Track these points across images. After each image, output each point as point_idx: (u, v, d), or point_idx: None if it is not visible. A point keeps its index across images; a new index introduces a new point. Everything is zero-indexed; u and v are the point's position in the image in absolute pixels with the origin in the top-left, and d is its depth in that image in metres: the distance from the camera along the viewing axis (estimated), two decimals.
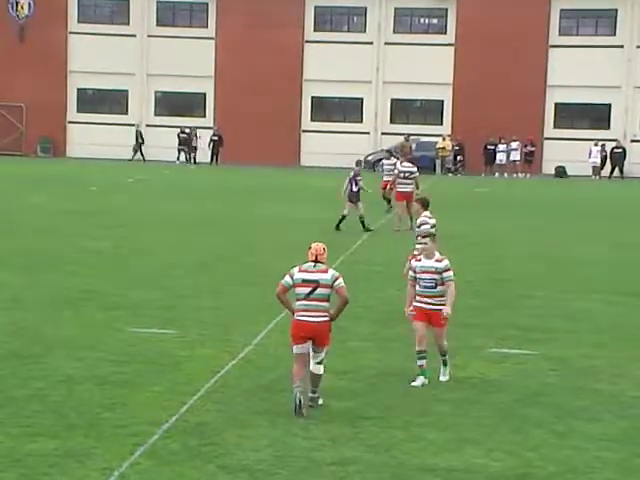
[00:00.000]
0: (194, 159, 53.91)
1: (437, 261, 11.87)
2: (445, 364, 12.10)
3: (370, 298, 16.20)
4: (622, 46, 53.88)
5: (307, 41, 55.85)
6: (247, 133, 54.45)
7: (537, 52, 53.83)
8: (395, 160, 31.51)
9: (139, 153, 55.21)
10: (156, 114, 57.60)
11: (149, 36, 56.92)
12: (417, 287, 11.90)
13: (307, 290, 10.64)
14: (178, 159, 53.82)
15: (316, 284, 10.65)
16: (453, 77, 54.62)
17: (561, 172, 52.06)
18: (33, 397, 10.71)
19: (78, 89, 57.57)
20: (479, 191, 40.87)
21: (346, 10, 56.11)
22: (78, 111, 57.63)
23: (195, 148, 53.95)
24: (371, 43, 55.65)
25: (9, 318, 14.59)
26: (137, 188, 38.25)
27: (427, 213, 16.19)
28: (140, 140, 55.28)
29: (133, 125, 57.24)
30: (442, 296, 11.81)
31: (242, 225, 26.94)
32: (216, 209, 30.79)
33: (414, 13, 55.88)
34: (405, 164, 28.87)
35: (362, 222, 26.06)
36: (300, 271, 10.77)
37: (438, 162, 52.03)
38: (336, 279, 10.70)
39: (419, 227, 15.91)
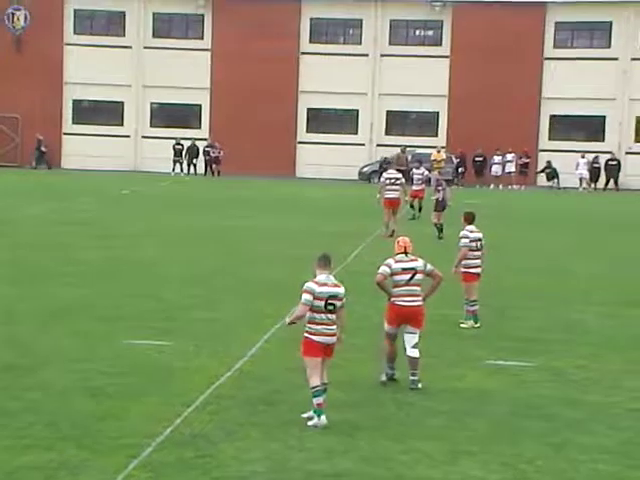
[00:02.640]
0: (218, 172, 53.76)
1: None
2: (316, 411, 10.43)
3: (367, 308, 16.17)
4: (617, 58, 54.04)
5: (303, 53, 55.96)
6: (243, 144, 54.48)
7: (532, 64, 53.96)
8: (424, 169, 32.37)
9: (40, 160, 54.93)
10: (152, 125, 57.62)
11: (145, 48, 56.98)
12: None
13: (408, 277, 12.15)
14: (173, 170, 53.82)
15: (414, 271, 12.20)
16: (448, 89, 54.73)
17: (551, 174, 52.12)
18: (27, 409, 10.67)
19: (74, 100, 57.60)
20: (474, 203, 40.88)
21: (342, 22, 56.24)
22: (74, 122, 57.62)
23: (218, 159, 53.71)
24: (367, 55, 55.76)
25: (3, 330, 14.54)
26: (132, 199, 38.23)
27: (470, 227, 16.08)
28: (42, 149, 55.06)
29: (129, 137, 57.29)
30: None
31: (239, 237, 26.93)
32: (212, 220, 30.77)
33: (409, 25, 56.03)
34: (390, 171, 29.69)
35: (439, 230, 27.29)
36: (396, 262, 12.24)
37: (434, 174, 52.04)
38: (426, 265, 12.36)
39: (459, 240, 16.01)
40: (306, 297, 10.53)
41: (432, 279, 12.51)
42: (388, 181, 28.50)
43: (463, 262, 15.85)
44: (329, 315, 10.56)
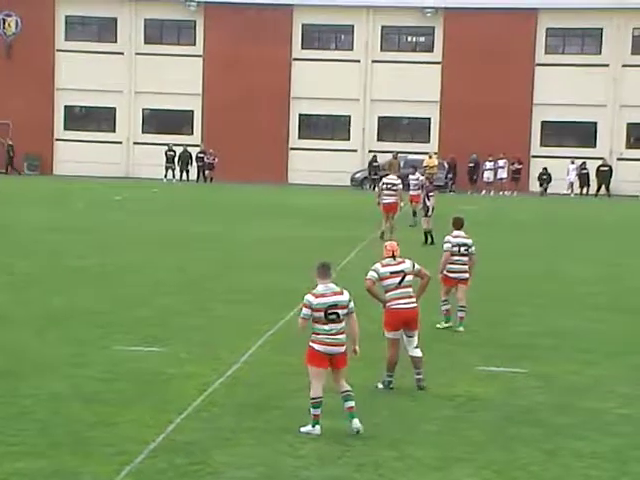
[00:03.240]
0: (210, 178, 53.74)
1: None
2: (312, 421, 10.37)
3: (359, 316, 16.14)
4: (608, 65, 54.24)
5: (295, 59, 56.02)
6: (234, 151, 54.49)
7: (523, 70, 54.11)
8: (419, 175, 33.05)
9: (10, 167, 54.93)
10: (144, 131, 57.61)
11: (137, 54, 56.98)
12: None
13: (398, 279, 12.18)
14: (165, 177, 53.81)
15: (403, 273, 12.22)
16: (440, 95, 54.84)
17: (545, 180, 52.39)
18: (19, 415, 10.64)
19: (65, 106, 57.56)
20: (466, 209, 40.95)
21: (334, 28, 56.33)
22: (65, 128, 57.59)
23: (212, 165, 53.70)
24: (358, 61, 55.84)
25: None
26: (125, 206, 38.17)
27: (456, 232, 16.16)
28: (11, 154, 54.95)
29: (121, 143, 57.24)
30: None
31: (231, 243, 26.92)
32: (204, 227, 30.74)
33: (401, 31, 56.15)
34: (390, 177, 30.24)
35: (429, 236, 27.47)
36: (383, 266, 12.26)
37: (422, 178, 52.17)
38: (414, 265, 12.41)
39: (443, 244, 16.25)
40: (304, 311, 10.40)
41: (421, 279, 12.62)
42: (385, 186, 29.17)
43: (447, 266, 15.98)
44: (332, 325, 10.36)
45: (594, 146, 54.62)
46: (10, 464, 9.15)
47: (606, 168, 52.49)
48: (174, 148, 54.09)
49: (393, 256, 12.37)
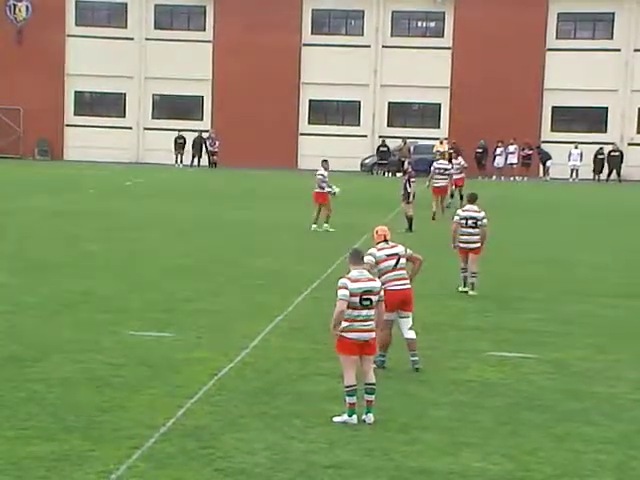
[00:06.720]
0: (214, 163, 53.67)
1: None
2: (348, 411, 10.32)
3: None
4: (619, 50, 53.99)
5: (305, 44, 55.91)
6: (244, 136, 54.47)
7: (534, 55, 53.91)
8: (461, 159, 34.76)
9: None
10: (154, 117, 57.62)
11: (147, 39, 56.96)
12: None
13: (393, 262, 12.47)
14: (176, 162, 53.82)
15: (398, 256, 12.52)
16: (450, 80, 54.69)
17: (543, 158, 52.43)
18: (30, 400, 10.70)
19: (76, 92, 57.60)
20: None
21: (344, 13, 56.18)
22: (75, 114, 57.64)
23: (214, 151, 53.57)
24: (369, 46, 55.70)
25: (6, 321, 14.57)
26: (135, 191, 38.23)
27: (468, 206, 17.75)
28: None
29: (131, 128, 57.25)
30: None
31: (240, 228, 26.95)
32: (214, 212, 30.78)
33: (412, 16, 55.96)
34: (442, 162, 31.68)
35: (410, 222, 27.39)
36: (379, 250, 12.50)
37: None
38: (406, 249, 12.70)
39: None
40: (342, 292, 10.24)
41: (412, 263, 12.92)
42: (437, 170, 30.69)
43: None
44: (365, 311, 10.30)
45: (605, 131, 54.43)
46: (22, 448, 9.21)
47: (617, 153, 52.31)
48: (184, 135, 54.04)
49: (385, 240, 12.61)
